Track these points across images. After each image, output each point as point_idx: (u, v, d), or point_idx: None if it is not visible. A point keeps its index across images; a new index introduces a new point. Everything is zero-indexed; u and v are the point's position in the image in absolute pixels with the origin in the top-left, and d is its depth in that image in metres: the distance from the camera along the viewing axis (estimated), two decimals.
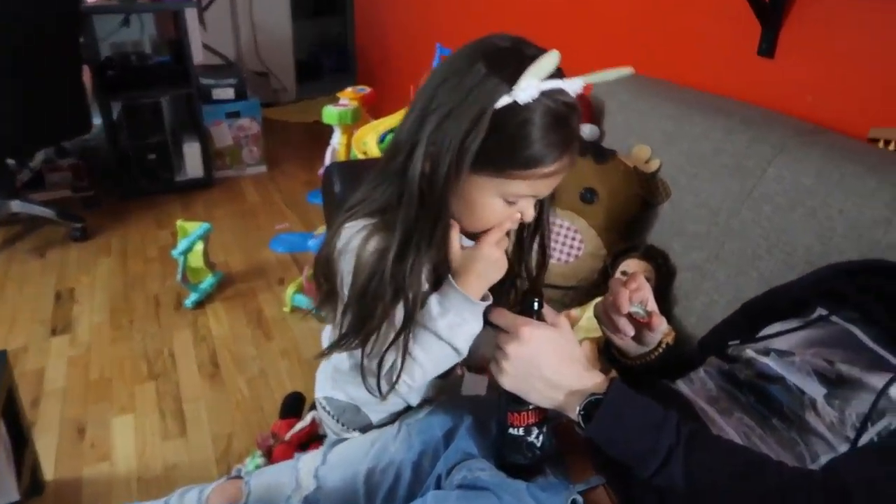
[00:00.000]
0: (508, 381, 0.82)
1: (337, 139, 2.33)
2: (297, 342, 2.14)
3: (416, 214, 0.81)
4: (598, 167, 1.58)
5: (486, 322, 0.88)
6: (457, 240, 0.87)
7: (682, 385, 0.98)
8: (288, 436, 1.51)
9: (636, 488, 0.83)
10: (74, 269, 2.57)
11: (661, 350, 0.97)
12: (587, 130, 1.79)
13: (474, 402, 1.00)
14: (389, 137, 1.90)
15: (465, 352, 0.88)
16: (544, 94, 0.75)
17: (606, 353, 1.06)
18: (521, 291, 0.99)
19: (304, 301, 2.28)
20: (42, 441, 1.69)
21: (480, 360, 1.12)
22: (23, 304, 2.34)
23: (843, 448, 0.79)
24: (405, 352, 0.85)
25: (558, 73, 0.77)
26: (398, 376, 0.87)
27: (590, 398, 0.79)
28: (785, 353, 0.92)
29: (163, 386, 1.94)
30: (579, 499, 0.83)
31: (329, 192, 1.73)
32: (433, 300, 0.87)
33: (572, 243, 1.57)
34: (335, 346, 0.90)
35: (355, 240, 0.86)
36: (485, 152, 0.76)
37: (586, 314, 1.43)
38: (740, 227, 1.35)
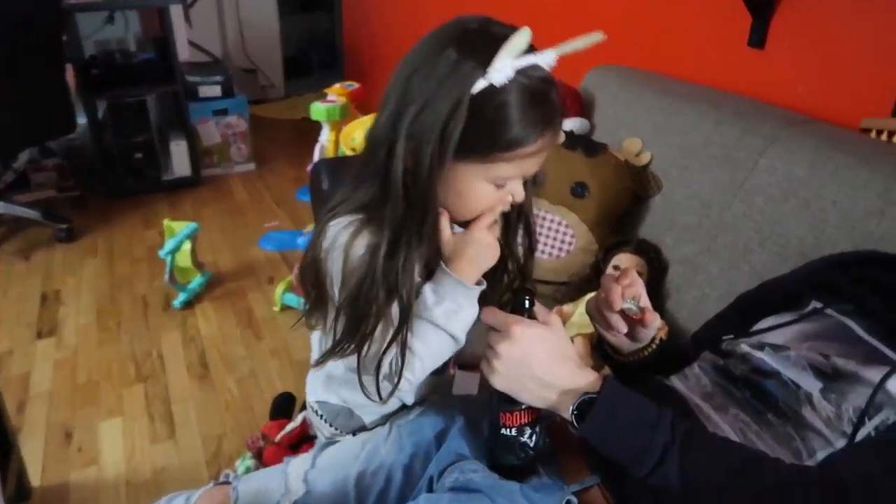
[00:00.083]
0: (500, 381, 0.80)
1: (325, 136, 2.30)
2: (288, 342, 2.12)
3: (404, 212, 0.79)
4: (588, 161, 1.57)
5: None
6: (448, 227, 0.85)
7: (676, 381, 0.97)
8: (278, 437, 1.48)
9: (631, 487, 0.82)
10: (60, 271, 2.53)
11: (654, 346, 0.96)
12: (577, 124, 1.77)
13: (466, 401, 0.98)
14: None
15: (462, 340, 0.86)
16: (519, 72, 0.74)
17: (599, 350, 1.05)
18: (512, 275, 0.97)
19: (293, 300, 2.26)
20: (28, 446, 1.66)
21: (470, 356, 1.10)
22: (8, 306, 2.30)
23: (840, 443, 0.78)
24: (404, 350, 0.83)
25: (531, 50, 0.75)
26: (399, 376, 0.84)
27: (583, 397, 0.77)
28: (780, 347, 0.91)
29: (151, 388, 1.91)
30: (574, 499, 0.82)
31: (317, 189, 1.71)
32: (427, 289, 0.85)
33: (563, 238, 1.55)
34: (330, 353, 0.87)
35: (342, 236, 0.83)
36: (467, 139, 0.74)
37: (578, 310, 1.41)
38: (732, 219, 1.34)
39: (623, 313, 0.91)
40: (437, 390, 1.04)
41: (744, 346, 0.95)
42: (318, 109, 2.26)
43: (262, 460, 1.48)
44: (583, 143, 1.61)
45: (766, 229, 1.26)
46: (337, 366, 0.95)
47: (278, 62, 4.59)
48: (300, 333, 2.15)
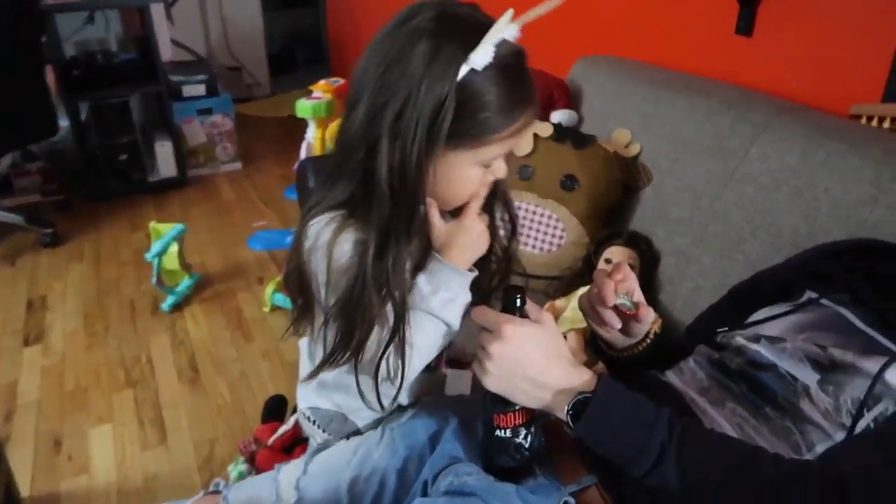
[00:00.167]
0: (493, 383, 0.78)
1: (311, 133, 2.28)
2: (278, 343, 2.09)
3: (391, 212, 0.77)
4: (577, 153, 1.55)
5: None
6: (438, 217, 0.83)
7: (671, 376, 0.96)
8: (271, 441, 1.46)
9: (628, 486, 0.81)
10: (46, 276, 2.50)
11: (649, 340, 0.95)
12: (565, 116, 1.76)
13: (458, 402, 0.97)
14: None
15: (457, 326, 0.85)
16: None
17: (593, 346, 1.03)
18: (497, 259, 0.95)
19: (283, 300, 2.23)
20: (17, 456, 1.64)
21: (460, 352, 1.09)
22: None
23: (839, 435, 0.77)
24: (403, 349, 0.81)
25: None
26: (402, 377, 0.83)
27: (578, 397, 0.76)
28: (776, 339, 0.90)
29: (141, 393, 1.89)
30: (571, 500, 0.81)
31: (304, 187, 1.69)
32: (422, 279, 0.83)
33: (554, 232, 1.54)
34: (323, 365, 0.84)
35: (324, 234, 0.81)
36: (456, 127, 0.73)
37: (571, 304, 1.40)
38: (724, 209, 1.33)
39: (616, 309, 0.89)
40: (429, 390, 1.03)
41: (739, 339, 0.94)
42: (303, 106, 2.23)
43: (254, 464, 1.46)
44: (571, 136, 1.59)
45: (758, 219, 1.25)
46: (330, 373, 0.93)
47: (263, 59, 4.55)
48: None
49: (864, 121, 1.30)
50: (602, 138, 1.60)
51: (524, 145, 1.58)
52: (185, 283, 2.32)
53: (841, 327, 0.87)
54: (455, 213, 0.86)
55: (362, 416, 0.98)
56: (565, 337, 0.86)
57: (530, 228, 1.55)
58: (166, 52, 3.37)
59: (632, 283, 0.90)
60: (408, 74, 0.72)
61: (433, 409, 0.95)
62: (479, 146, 0.77)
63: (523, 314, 0.80)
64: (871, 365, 0.78)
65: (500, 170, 0.83)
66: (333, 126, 2.10)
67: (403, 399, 0.98)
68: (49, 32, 2.74)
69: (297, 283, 0.85)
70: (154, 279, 2.18)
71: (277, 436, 1.47)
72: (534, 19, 0.76)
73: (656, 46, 1.82)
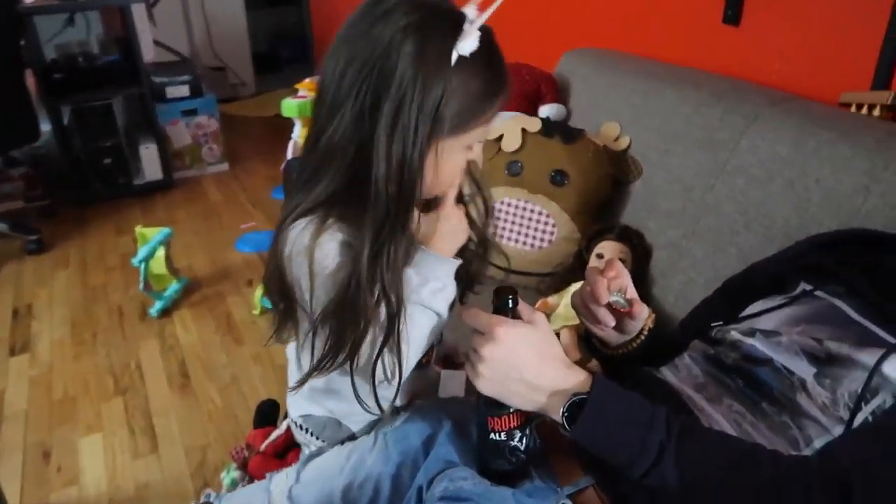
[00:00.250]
0: (486, 386, 0.77)
1: (298, 132, 2.26)
2: (269, 346, 2.07)
3: (387, 211, 0.75)
4: (566, 148, 1.54)
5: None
6: (414, 210, 0.81)
7: (667, 373, 0.95)
8: (263, 446, 1.44)
9: (626, 486, 0.79)
10: (31, 284, 2.46)
11: (643, 337, 0.94)
12: (553, 110, 1.74)
13: (452, 405, 0.95)
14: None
15: (446, 316, 0.85)
16: None
17: (587, 344, 1.02)
18: (474, 243, 0.94)
19: None
20: (5, 468, 1.62)
21: (452, 351, 1.07)
22: None
23: (837, 430, 0.76)
24: (399, 347, 0.80)
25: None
26: (400, 376, 0.81)
27: (573, 398, 0.74)
28: (771, 332, 0.89)
29: (131, 401, 1.86)
30: (568, 503, 0.79)
31: (290, 187, 1.66)
32: (410, 272, 0.82)
33: (545, 228, 1.52)
34: (314, 371, 0.82)
35: (303, 238, 0.79)
36: (450, 118, 0.73)
37: (563, 301, 1.38)
38: (715, 202, 1.32)
39: (610, 307, 0.88)
40: (423, 389, 1.01)
41: (734, 334, 0.92)
42: (289, 106, 2.21)
43: (247, 471, 1.44)
44: (560, 130, 1.58)
45: (750, 210, 1.24)
46: (318, 380, 0.91)
47: (247, 59, 4.51)
48: None
49: (853, 109, 1.29)
50: (591, 132, 1.59)
51: (509, 137, 1.57)
52: (173, 287, 2.29)
53: (836, 319, 0.86)
54: (428, 203, 0.85)
55: (357, 420, 0.97)
56: (558, 335, 0.84)
57: (520, 225, 1.53)
58: (149, 53, 3.33)
59: (625, 279, 0.88)
60: (399, 71, 0.70)
61: (426, 413, 0.93)
62: (467, 131, 0.77)
63: (516, 315, 0.79)
64: (868, 357, 0.77)
65: (479, 153, 0.83)
66: None
67: (398, 401, 0.96)
68: (28, 35, 2.71)
69: (279, 289, 0.83)
70: (141, 284, 2.16)
71: (270, 441, 1.45)
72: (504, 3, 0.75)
73: (644, 38, 1.80)
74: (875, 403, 0.75)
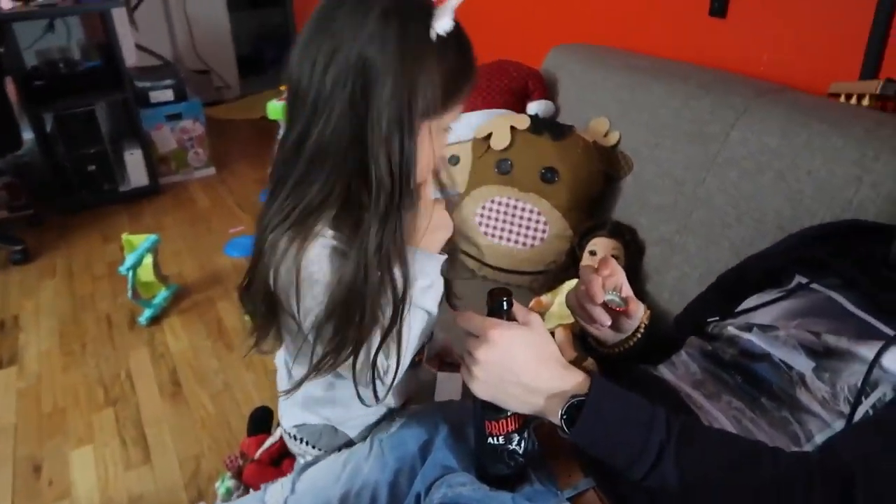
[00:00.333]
0: (482, 390, 0.75)
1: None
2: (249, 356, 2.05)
3: (390, 201, 0.75)
4: (556, 145, 1.53)
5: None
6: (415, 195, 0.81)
7: (664, 370, 0.94)
8: (258, 454, 1.43)
9: (626, 487, 0.78)
10: (17, 295, 2.43)
11: (639, 335, 0.93)
12: (542, 107, 1.73)
13: (448, 409, 0.94)
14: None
15: (436, 313, 0.85)
16: None
17: (582, 342, 1.01)
18: None
19: None
20: None
21: (441, 348, 1.06)
22: None
23: (838, 424, 0.75)
24: (400, 339, 0.79)
25: None
26: (398, 363, 0.80)
27: (571, 401, 0.73)
28: (768, 327, 0.88)
29: (122, 411, 1.84)
30: None
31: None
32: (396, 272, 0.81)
33: (536, 226, 1.51)
34: (315, 371, 0.80)
35: (293, 249, 0.77)
36: (434, 98, 0.74)
37: (557, 299, 1.38)
38: (707, 195, 1.31)
39: (606, 306, 0.87)
40: (416, 389, 1.01)
41: (731, 329, 0.92)
42: (275, 108, 2.20)
43: (242, 479, 1.42)
44: (549, 127, 1.57)
45: (742, 204, 1.24)
46: (315, 387, 0.90)
47: (231, 61, 4.48)
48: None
49: (842, 99, 1.29)
50: (580, 128, 1.58)
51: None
52: (162, 294, 2.27)
53: (833, 312, 0.85)
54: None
55: (354, 424, 0.96)
56: (552, 334, 0.83)
57: (511, 224, 1.52)
58: (131, 58, 3.29)
59: (619, 277, 0.87)
60: (385, 56, 0.70)
61: (422, 418, 0.92)
62: (448, 110, 0.77)
63: (510, 317, 0.78)
64: (867, 350, 0.76)
65: (450, 136, 0.83)
66: None
67: (392, 401, 0.96)
68: (7, 42, 2.68)
69: (264, 298, 0.82)
70: (130, 293, 2.13)
71: (264, 449, 1.43)
72: None
73: (631, 32, 1.79)
74: (875, 396, 0.74)
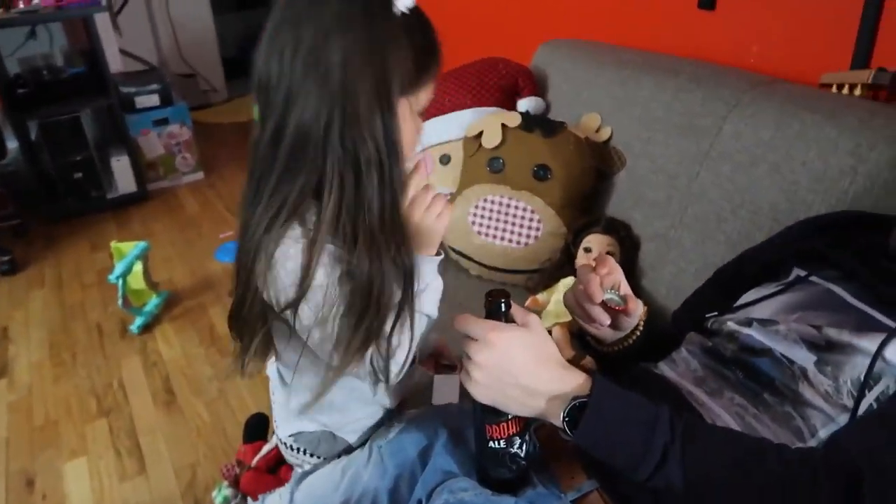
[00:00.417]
0: (482, 393, 0.74)
1: None
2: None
3: (381, 173, 0.74)
4: (547, 142, 1.52)
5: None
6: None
7: (664, 368, 0.93)
8: (254, 461, 1.41)
9: (629, 487, 0.77)
10: (5, 306, 2.40)
11: (638, 333, 0.92)
12: (532, 104, 1.72)
13: (447, 413, 0.93)
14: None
15: (435, 314, 0.84)
16: None
17: (581, 342, 1.00)
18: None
19: None
20: None
21: (436, 349, 1.05)
22: None
23: (842, 418, 0.75)
24: (412, 315, 0.79)
25: None
26: (411, 342, 0.80)
27: (573, 402, 0.72)
28: (768, 321, 0.87)
29: (115, 422, 1.82)
30: None
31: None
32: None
33: (530, 224, 1.50)
34: (341, 367, 0.78)
35: (285, 245, 0.76)
36: (403, 73, 0.74)
37: (554, 297, 1.37)
38: (701, 189, 1.30)
39: (605, 304, 0.85)
40: (411, 390, 1.00)
41: (730, 324, 0.91)
42: None
43: (239, 488, 1.41)
44: (540, 124, 1.56)
45: (736, 197, 1.23)
46: (308, 390, 0.88)
47: (217, 64, 4.44)
48: None
49: (834, 89, 1.28)
50: (571, 124, 1.57)
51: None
52: (153, 302, 2.24)
53: (833, 305, 0.84)
54: None
55: (352, 429, 0.95)
56: (550, 332, 0.82)
57: (505, 222, 1.51)
58: (115, 63, 3.26)
59: (618, 275, 0.87)
60: (353, 36, 0.71)
61: (421, 423, 0.91)
62: (419, 87, 0.77)
63: (509, 319, 0.76)
64: (869, 343, 0.76)
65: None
66: None
67: (387, 401, 0.96)
68: None
69: (260, 311, 0.80)
70: (120, 301, 2.10)
71: (261, 456, 1.42)
72: None
73: (619, 26, 1.79)
74: (879, 389, 0.74)
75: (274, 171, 0.76)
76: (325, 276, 0.76)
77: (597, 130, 1.55)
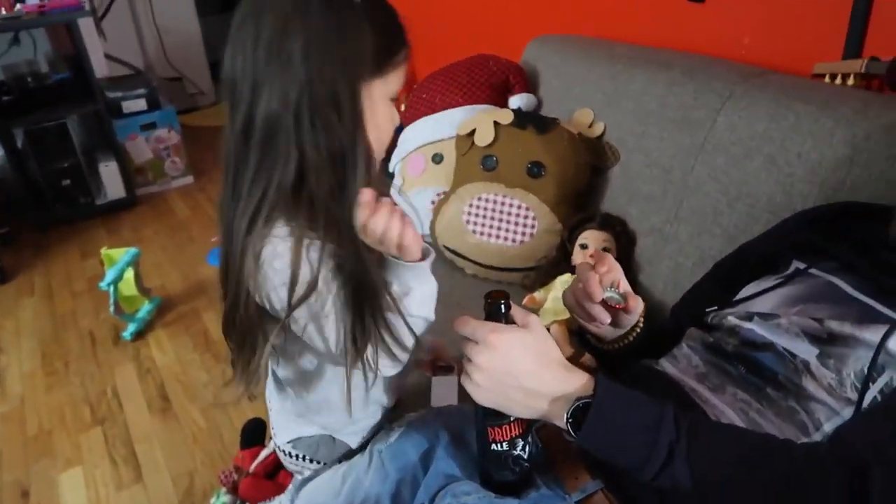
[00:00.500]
0: (484, 396, 0.73)
1: None
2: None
3: (353, 160, 0.73)
4: (541, 138, 1.51)
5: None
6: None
7: (666, 364, 0.92)
8: (252, 467, 1.40)
9: (634, 487, 0.77)
10: None
11: (638, 330, 0.91)
12: (524, 101, 1.71)
13: (447, 415, 0.92)
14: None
15: (431, 317, 0.83)
16: None
17: (581, 340, 0.99)
18: None
19: None
20: None
21: (433, 350, 1.04)
22: None
23: (847, 411, 0.74)
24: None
25: None
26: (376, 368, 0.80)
27: (576, 403, 0.71)
28: (768, 315, 0.86)
29: (110, 430, 1.80)
30: None
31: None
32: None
33: (525, 222, 1.49)
34: (356, 357, 0.78)
35: (274, 245, 0.75)
36: (369, 55, 0.73)
37: (551, 295, 1.36)
38: (696, 183, 1.30)
39: (605, 303, 0.85)
40: (406, 389, 1.00)
41: (731, 319, 0.90)
42: None
43: (237, 494, 1.39)
44: (532, 121, 1.55)
45: (732, 190, 1.22)
46: (313, 395, 0.87)
47: (204, 67, 4.40)
48: None
49: (827, 79, 1.28)
50: (564, 120, 1.56)
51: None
52: (145, 308, 2.22)
53: (834, 297, 0.84)
54: None
55: (351, 431, 0.94)
56: (548, 330, 0.81)
57: (500, 220, 1.50)
58: (101, 68, 3.23)
59: (617, 273, 0.86)
60: (314, 21, 0.70)
61: (421, 426, 0.90)
62: (387, 71, 0.76)
63: (509, 320, 0.75)
64: (871, 335, 0.75)
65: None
66: None
67: (385, 400, 0.95)
68: None
69: (257, 316, 0.79)
70: (112, 308, 2.08)
71: (259, 461, 1.41)
72: None
73: (609, 20, 1.78)
74: (883, 381, 0.73)
75: (249, 165, 0.75)
76: (315, 272, 0.74)
77: (590, 126, 1.55)
